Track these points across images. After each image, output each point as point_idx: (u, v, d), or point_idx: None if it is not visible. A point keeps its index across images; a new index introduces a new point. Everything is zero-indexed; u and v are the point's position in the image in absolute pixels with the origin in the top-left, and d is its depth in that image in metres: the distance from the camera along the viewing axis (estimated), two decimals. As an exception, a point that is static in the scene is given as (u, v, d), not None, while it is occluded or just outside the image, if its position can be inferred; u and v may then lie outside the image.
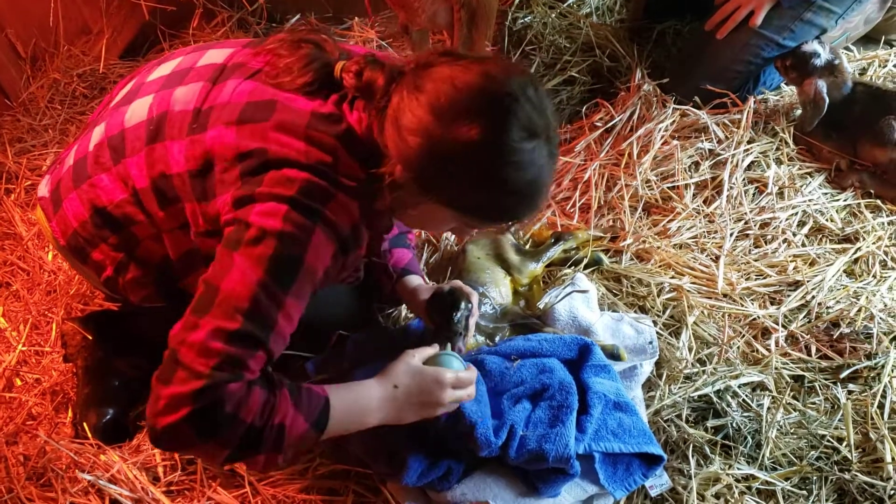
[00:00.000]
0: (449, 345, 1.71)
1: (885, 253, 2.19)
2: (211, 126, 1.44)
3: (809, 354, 1.96)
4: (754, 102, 2.56)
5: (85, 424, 1.85)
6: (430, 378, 1.54)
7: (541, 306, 2.06)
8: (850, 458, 1.72)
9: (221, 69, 1.53)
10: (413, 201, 1.42)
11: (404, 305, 2.11)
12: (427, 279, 2.04)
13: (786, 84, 2.75)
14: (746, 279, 2.14)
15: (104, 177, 1.55)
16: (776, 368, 1.91)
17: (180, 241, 1.56)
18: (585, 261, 2.19)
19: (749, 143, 2.48)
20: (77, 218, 1.59)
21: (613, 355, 1.90)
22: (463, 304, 1.76)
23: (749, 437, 1.77)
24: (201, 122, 1.46)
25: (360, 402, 1.49)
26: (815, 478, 1.71)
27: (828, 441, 1.76)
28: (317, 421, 1.40)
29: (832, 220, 2.29)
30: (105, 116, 1.62)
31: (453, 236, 2.32)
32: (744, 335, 2.00)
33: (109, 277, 1.64)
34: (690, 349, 1.96)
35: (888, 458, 1.71)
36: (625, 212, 2.33)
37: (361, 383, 1.52)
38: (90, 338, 1.92)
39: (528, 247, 2.24)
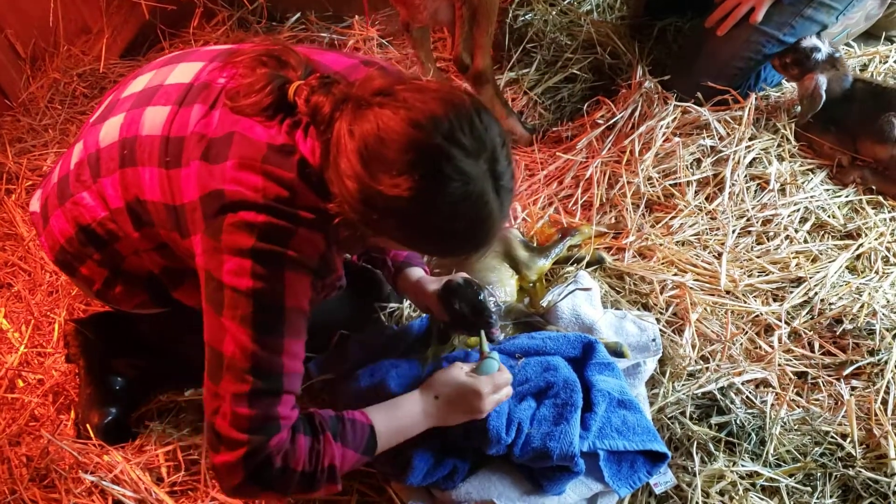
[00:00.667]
0: (481, 333, 1.75)
1: (888, 249, 2.19)
2: (185, 164, 1.43)
3: (812, 351, 1.96)
4: (755, 99, 2.56)
5: (87, 425, 1.85)
6: (470, 390, 1.59)
7: (544, 304, 2.06)
8: (855, 454, 1.72)
9: (188, 89, 1.51)
10: (369, 234, 1.42)
11: (406, 304, 2.11)
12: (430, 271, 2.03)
13: (787, 81, 2.74)
14: (749, 276, 2.14)
15: (86, 194, 1.56)
16: (779, 365, 1.91)
17: (157, 260, 1.59)
18: (587, 259, 2.18)
19: (750, 139, 2.47)
20: (63, 234, 1.60)
21: (616, 352, 1.90)
22: (486, 293, 1.77)
23: (753, 434, 1.77)
24: (173, 154, 1.45)
25: (404, 419, 1.57)
26: (819, 474, 1.71)
27: (832, 437, 1.76)
28: (366, 448, 1.50)
29: (834, 217, 2.29)
30: (85, 133, 1.62)
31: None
32: (747, 332, 2.00)
33: (99, 290, 1.66)
34: (693, 346, 1.96)
35: (892, 454, 1.71)
36: (627, 209, 2.33)
37: (403, 399, 1.60)
38: (92, 338, 1.92)
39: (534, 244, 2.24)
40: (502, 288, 2.05)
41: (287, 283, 1.37)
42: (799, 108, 2.55)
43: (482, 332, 1.75)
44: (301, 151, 1.37)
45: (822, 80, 2.42)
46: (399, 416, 1.56)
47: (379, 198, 1.27)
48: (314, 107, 1.35)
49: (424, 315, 2.04)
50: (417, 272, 1.94)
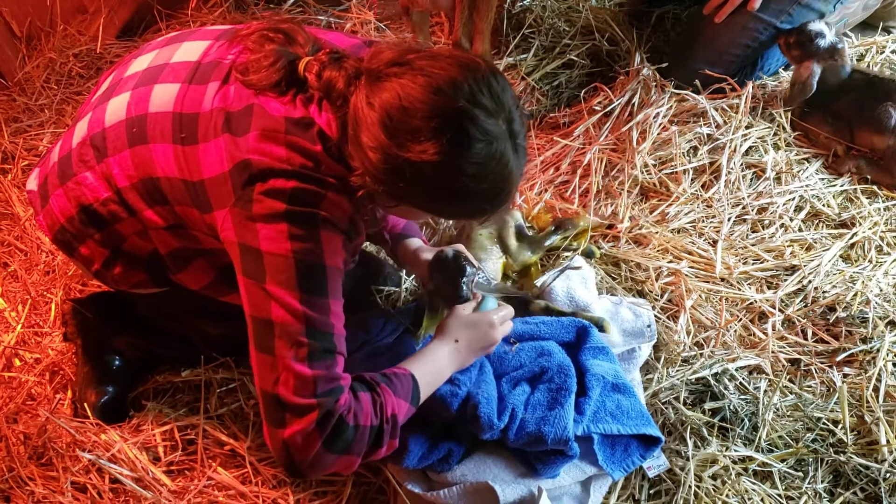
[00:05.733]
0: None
1: (881, 238, 2.21)
2: (203, 139, 1.44)
3: (806, 338, 1.98)
4: (752, 88, 2.57)
5: (85, 404, 1.86)
6: (484, 324, 1.67)
7: (538, 284, 2.06)
8: (846, 440, 1.75)
9: (196, 67, 1.52)
10: (389, 203, 1.44)
11: (403, 287, 2.12)
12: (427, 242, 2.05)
13: (784, 70, 2.75)
14: (744, 263, 2.15)
15: (89, 175, 1.55)
16: (773, 352, 1.93)
17: (167, 240, 1.58)
18: (580, 250, 2.19)
19: (747, 128, 2.48)
20: (64, 214, 1.60)
21: (598, 325, 1.91)
22: (469, 270, 1.78)
23: (746, 420, 1.79)
24: (188, 131, 1.46)
25: (435, 364, 1.61)
26: (810, 459, 1.73)
27: (823, 424, 1.78)
28: (413, 397, 1.52)
29: (829, 206, 2.30)
30: (87, 112, 1.62)
31: (452, 221, 2.32)
32: (741, 319, 2.02)
33: (98, 270, 1.65)
34: (688, 333, 1.98)
35: (883, 441, 1.73)
36: (623, 196, 2.34)
37: (428, 348, 1.64)
38: (90, 317, 1.92)
39: (530, 230, 2.24)
40: (491, 266, 2.06)
41: (324, 242, 1.38)
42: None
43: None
44: (319, 124, 1.38)
45: (817, 70, 2.42)
46: (430, 364, 1.59)
47: (406, 166, 1.29)
48: (327, 82, 1.36)
49: (419, 300, 2.05)
50: (416, 242, 1.96)
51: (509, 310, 1.74)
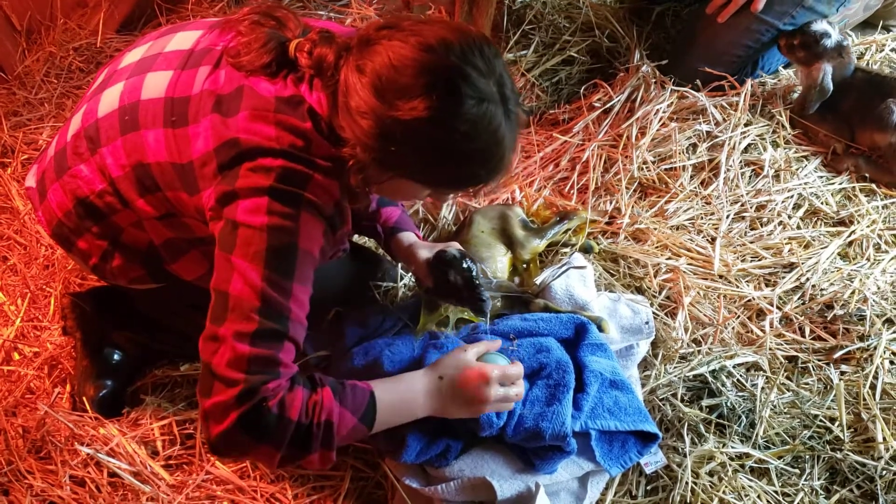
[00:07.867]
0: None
1: (879, 236, 2.21)
2: (192, 121, 1.44)
3: (803, 336, 1.98)
4: (751, 85, 2.57)
5: (83, 397, 1.86)
6: (475, 372, 1.54)
7: (538, 282, 2.07)
8: (842, 437, 1.75)
9: (189, 55, 1.52)
10: (381, 178, 1.42)
11: (401, 283, 2.12)
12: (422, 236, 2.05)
13: (784, 68, 2.75)
14: (742, 261, 2.16)
15: (83, 167, 1.56)
16: (770, 349, 1.93)
17: (161, 230, 1.58)
18: (578, 245, 2.19)
19: (746, 125, 2.48)
20: (61, 208, 1.60)
21: (597, 325, 1.92)
22: (477, 269, 1.78)
23: (743, 417, 1.79)
24: (179, 114, 1.46)
25: (407, 394, 1.53)
26: (807, 457, 1.73)
27: (820, 421, 1.79)
28: (364, 415, 1.44)
29: (827, 204, 2.31)
30: (81, 106, 1.62)
31: (451, 216, 2.33)
32: (739, 316, 2.02)
33: (96, 265, 1.66)
34: (686, 329, 1.98)
35: (879, 438, 1.74)
36: (622, 193, 2.34)
37: (407, 375, 1.57)
38: (89, 311, 1.92)
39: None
40: (494, 263, 2.06)
41: (302, 224, 1.37)
42: (795, 94, 2.55)
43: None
44: (309, 102, 1.38)
45: (829, 69, 2.41)
46: (401, 391, 1.52)
47: (396, 126, 1.28)
48: (318, 58, 1.37)
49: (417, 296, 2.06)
50: (410, 237, 1.96)
51: (518, 370, 1.60)
